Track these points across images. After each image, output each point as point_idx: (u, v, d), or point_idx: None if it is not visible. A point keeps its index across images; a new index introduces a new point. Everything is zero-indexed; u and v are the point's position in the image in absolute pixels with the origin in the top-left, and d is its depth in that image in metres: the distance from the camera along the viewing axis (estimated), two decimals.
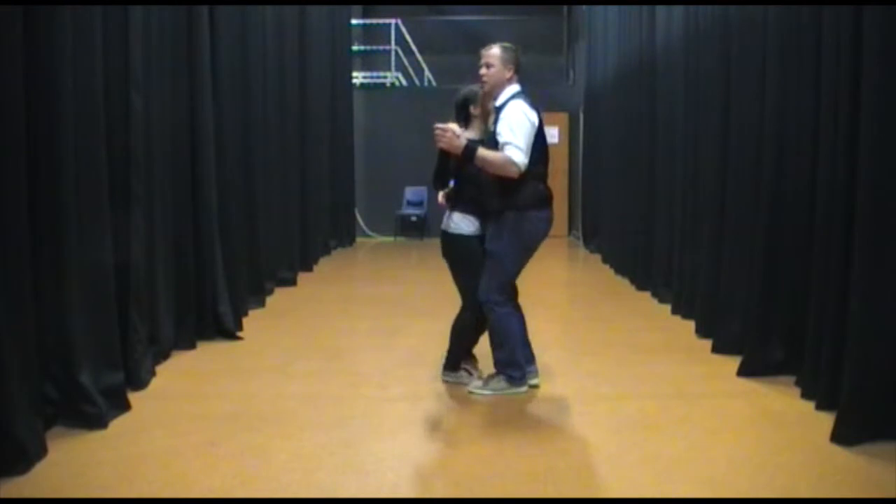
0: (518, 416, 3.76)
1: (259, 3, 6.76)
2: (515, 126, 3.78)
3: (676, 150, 6.43)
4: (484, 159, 3.78)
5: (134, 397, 3.83)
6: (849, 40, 3.48)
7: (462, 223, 4.02)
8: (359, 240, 12.48)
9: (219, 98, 5.59)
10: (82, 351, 3.48)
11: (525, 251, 3.97)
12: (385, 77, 13.65)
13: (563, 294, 8.25)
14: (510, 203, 3.86)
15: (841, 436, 3.28)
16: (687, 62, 6.12)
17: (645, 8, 7.56)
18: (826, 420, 3.46)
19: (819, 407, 3.69)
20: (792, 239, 4.22)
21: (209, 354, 4.93)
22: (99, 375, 3.58)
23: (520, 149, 3.75)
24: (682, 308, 6.06)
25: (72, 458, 3.10)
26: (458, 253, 4.06)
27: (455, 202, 4.07)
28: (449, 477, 3.03)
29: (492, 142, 3.88)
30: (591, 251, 10.78)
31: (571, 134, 12.99)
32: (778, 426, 3.57)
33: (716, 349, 4.91)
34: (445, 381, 4.21)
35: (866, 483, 2.93)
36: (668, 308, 6.38)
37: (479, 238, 4.02)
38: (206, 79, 5.24)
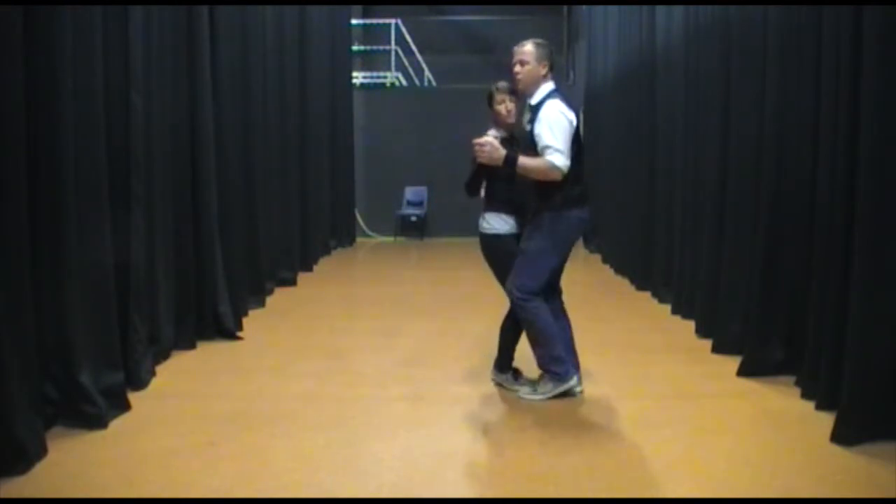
0: (518, 417, 3.76)
1: (259, 3, 6.76)
2: (556, 128, 3.70)
3: (676, 150, 6.42)
4: (525, 167, 3.72)
5: (134, 397, 3.83)
6: (849, 40, 3.47)
7: (496, 223, 3.99)
8: (359, 240, 12.47)
9: (219, 98, 5.59)
10: (82, 351, 3.48)
11: (560, 252, 3.91)
12: (385, 77, 13.65)
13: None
14: (547, 204, 3.82)
15: (841, 436, 3.28)
16: (687, 62, 6.11)
17: (645, 8, 7.56)
18: (826, 420, 3.46)
19: (819, 407, 3.69)
20: (792, 239, 4.22)
21: (209, 354, 4.93)
22: (99, 375, 3.58)
23: (561, 152, 3.67)
24: (682, 308, 6.06)
25: (72, 458, 3.10)
26: (496, 253, 4.03)
27: (488, 202, 4.04)
28: (448, 477, 3.03)
29: (525, 139, 3.85)
30: (591, 251, 10.78)
31: None
32: (778, 426, 3.57)
33: (716, 349, 4.91)
34: (494, 382, 4.18)
35: (866, 483, 2.92)
36: (668, 308, 6.38)
37: (516, 237, 3.99)
38: (206, 79, 5.24)
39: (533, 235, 3.87)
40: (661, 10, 6.94)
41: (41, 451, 3.06)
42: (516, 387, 4.09)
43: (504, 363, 4.16)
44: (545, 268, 3.88)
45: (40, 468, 2.98)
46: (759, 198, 4.51)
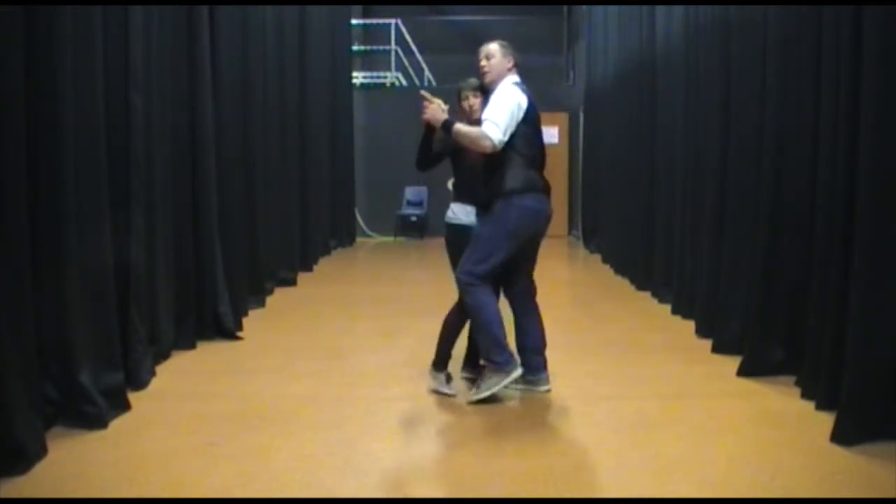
0: (518, 416, 3.76)
1: (259, 3, 6.76)
2: (498, 103, 3.74)
3: (676, 149, 6.43)
4: (458, 133, 3.75)
5: (134, 397, 3.83)
6: (849, 40, 3.48)
7: (460, 213, 4.00)
8: (359, 240, 12.48)
9: (219, 98, 5.59)
10: (82, 351, 3.48)
11: (510, 239, 3.81)
12: (385, 77, 13.65)
13: (563, 294, 8.24)
14: (498, 190, 3.79)
15: (841, 436, 3.28)
16: (687, 62, 6.12)
17: (645, 8, 7.57)
18: (826, 420, 3.46)
19: (819, 407, 3.69)
20: (792, 239, 4.22)
21: (209, 354, 4.93)
22: (99, 375, 3.58)
23: (496, 125, 3.68)
24: (682, 308, 6.06)
25: (72, 458, 3.10)
26: (454, 243, 4.03)
27: (456, 193, 4.07)
28: (449, 477, 3.03)
29: None
30: (591, 251, 10.78)
31: (571, 134, 13.00)
32: (778, 426, 3.57)
33: (716, 349, 4.91)
34: (431, 386, 4.09)
35: (866, 483, 2.93)
36: (668, 308, 6.38)
37: None
38: (206, 79, 5.24)
39: (485, 222, 3.86)
40: (661, 10, 6.94)
41: (41, 451, 3.06)
42: (448, 390, 4.03)
43: (444, 361, 4.11)
44: (494, 255, 3.79)
45: (40, 468, 2.98)
46: (759, 198, 4.51)
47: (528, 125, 3.83)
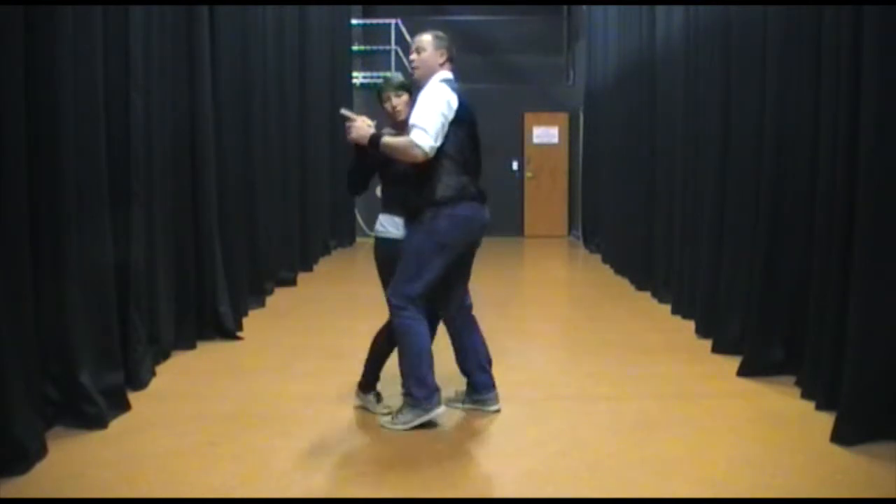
0: (518, 416, 3.76)
1: (259, 3, 6.77)
2: (427, 107, 3.42)
3: (676, 150, 6.42)
4: (387, 145, 3.43)
5: (134, 397, 3.83)
6: (849, 40, 3.48)
7: (389, 225, 3.66)
8: (359, 240, 12.47)
9: (219, 98, 5.59)
10: (82, 351, 3.48)
11: (442, 253, 3.48)
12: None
13: (563, 294, 8.24)
14: (427, 198, 3.47)
15: (841, 436, 3.28)
16: (687, 62, 6.12)
17: (645, 8, 7.57)
18: (826, 420, 3.46)
19: (819, 407, 3.69)
20: (792, 239, 4.22)
21: (209, 354, 4.93)
22: (99, 375, 3.57)
23: (426, 131, 3.36)
24: (682, 308, 6.06)
25: (72, 458, 3.10)
26: (381, 258, 3.71)
27: (383, 204, 3.71)
28: (449, 477, 3.03)
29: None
30: (591, 251, 10.78)
31: (571, 134, 12.99)
32: (778, 426, 3.57)
33: (716, 349, 4.91)
34: (356, 406, 3.84)
35: (866, 483, 2.93)
36: (668, 308, 6.38)
37: None
38: (206, 79, 5.24)
39: (412, 236, 3.53)
40: (661, 10, 6.94)
41: (41, 451, 3.06)
42: (379, 410, 3.72)
43: (368, 382, 3.82)
44: (426, 272, 3.48)
45: (40, 468, 2.97)
46: (759, 198, 4.51)
47: (460, 127, 3.51)
